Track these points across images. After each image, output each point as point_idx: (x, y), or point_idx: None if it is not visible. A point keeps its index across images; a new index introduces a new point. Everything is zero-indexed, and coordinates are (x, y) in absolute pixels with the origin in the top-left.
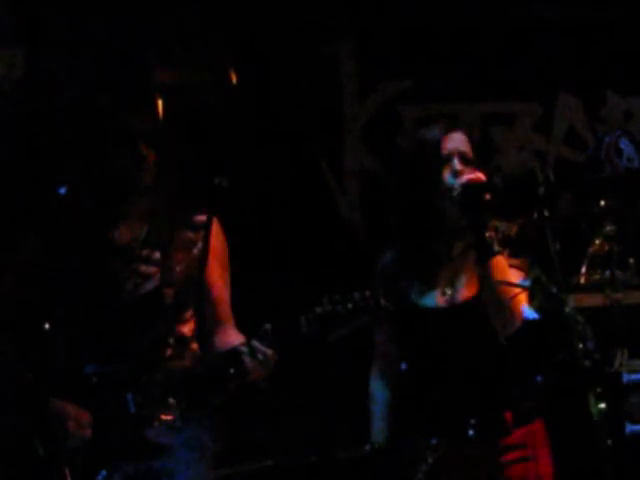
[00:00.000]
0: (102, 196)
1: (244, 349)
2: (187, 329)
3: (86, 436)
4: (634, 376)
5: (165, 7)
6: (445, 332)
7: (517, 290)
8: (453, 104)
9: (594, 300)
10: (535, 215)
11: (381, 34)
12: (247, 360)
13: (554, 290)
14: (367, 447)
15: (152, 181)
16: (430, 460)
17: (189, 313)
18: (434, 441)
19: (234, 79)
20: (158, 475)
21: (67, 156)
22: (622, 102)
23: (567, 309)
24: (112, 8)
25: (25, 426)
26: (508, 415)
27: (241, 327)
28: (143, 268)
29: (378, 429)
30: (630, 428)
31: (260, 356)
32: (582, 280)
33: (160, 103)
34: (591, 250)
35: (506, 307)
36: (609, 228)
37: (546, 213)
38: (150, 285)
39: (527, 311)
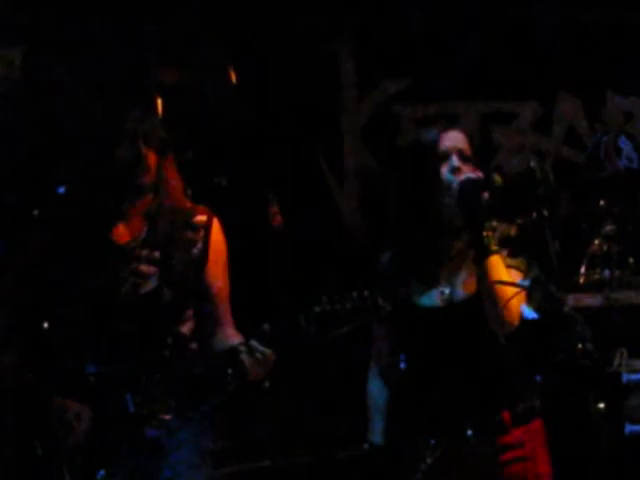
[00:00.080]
0: (102, 196)
1: (243, 349)
2: (186, 329)
3: (88, 430)
4: (633, 376)
5: (165, 7)
6: (444, 331)
7: (514, 289)
8: (453, 104)
9: (593, 300)
10: (534, 215)
11: (380, 34)
12: (246, 360)
13: (553, 290)
14: (365, 447)
15: (152, 181)
16: (429, 460)
17: (188, 313)
18: (433, 441)
19: (234, 79)
20: (157, 474)
21: (67, 156)
22: (622, 102)
23: (566, 309)
24: (112, 8)
25: (24, 426)
26: (506, 414)
27: (240, 327)
28: (143, 268)
29: (376, 429)
30: (629, 428)
31: (259, 356)
32: (581, 280)
33: (160, 103)
34: (590, 250)
35: (503, 307)
36: (608, 228)
37: (545, 213)
38: (150, 285)
39: (526, 311)
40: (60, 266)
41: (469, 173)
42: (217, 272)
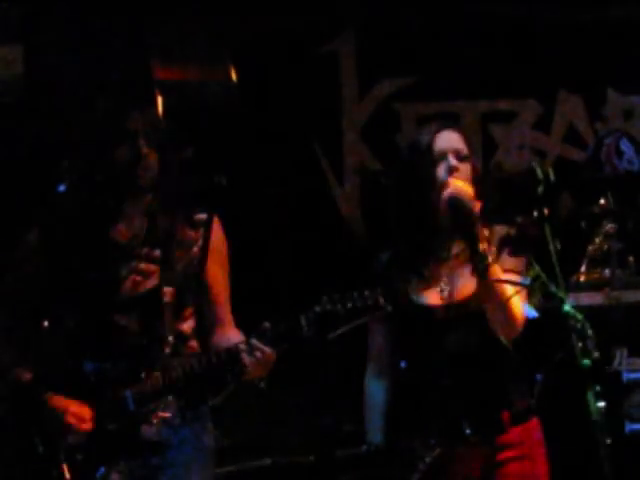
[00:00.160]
0: (102, 194)
1: (243, 347)
2: (186, 327)
3: (87, 430)
4: (634, 375)
5: (166, 6)
6: (443, 330)
7: (513, 293)
8: (453, 102)
9: (594, 299)
10: (535, 214)
11: (380, 33)
12: (246, 358)
13: (553, 289)
14: (364, 447)
15: (152, 180)
16: (427, 459)
17: (189, 311)
18: (431, 440)
19: (234, 78)
20: (157, 472)
21: (67, 155)
22: (622, 100)
23: (566, 308)
24: (113, 7)
25: (24, 424)
26: (505, 414)
27: (241, 326)
28: (143, 266)
29: (374, 429)
30: (630, 427)
31: (259, 354)
32: (582, 279)
33: (160, 101)
34: (591, 249)
35: (506, 314)
36: (609, 227)
37: (546, 212)
38: (150, 283)
39: (527, 310)
40: (60, 264)
41: (451, 189)
42: (217, 271)
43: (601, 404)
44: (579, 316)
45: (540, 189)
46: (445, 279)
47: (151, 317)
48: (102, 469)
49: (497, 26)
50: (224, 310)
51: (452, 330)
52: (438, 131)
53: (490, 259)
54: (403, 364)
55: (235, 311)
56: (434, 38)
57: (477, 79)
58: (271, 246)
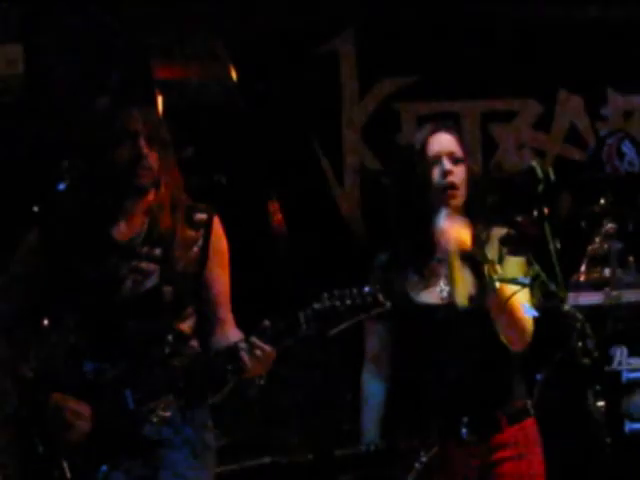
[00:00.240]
0: (102, 194)
1: (242, 345)
2: (187, 326)
3: (86, 429)
4: (633, 374)
5: (166, 5)
6: (442, 330)
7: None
8: (453, 102)
9: (593, 298)
10: (535, 213)
11: (381, 33)
12: (245, 357)
13: (553, 288)
14: (361, 446)
15: (153, 180)
16: (424, 458)
17: (189, 311)
18: (428, 439)
19: (234, 77)
20: (157, 471)
21: (67, 155)
22: (622, 100)
23: (566, 307)
24: (113, 5)
25: (25, 424)
26: (501, 413)
27: (241, 326)
28: (143, 265)
29: (371, 428)
30: (629, 426)
31: (258, 353)
32: (582, 278)
33: (160, 100)
34: (591, 248)
35: (517, 329)
36: (609, 226)
37: (546, 211)
38: (150, 282)
39: (527, 309)
40: (60, 263)
41: (451, 243)
42: (217, 270)
43: (601, 403)
44: (579, 316)
45: (540, 189)
46: (445, 279)
47: (151, 316)
48: (103, 468)
49: (497, 26)
50: (224, 310)
51: (451, 330)
52: (432, 134)
53: (497, 284)
54: (400, 364)
55: (235, 311)
56: (434, 38)
57: (477, 79)
58: (271, 244)
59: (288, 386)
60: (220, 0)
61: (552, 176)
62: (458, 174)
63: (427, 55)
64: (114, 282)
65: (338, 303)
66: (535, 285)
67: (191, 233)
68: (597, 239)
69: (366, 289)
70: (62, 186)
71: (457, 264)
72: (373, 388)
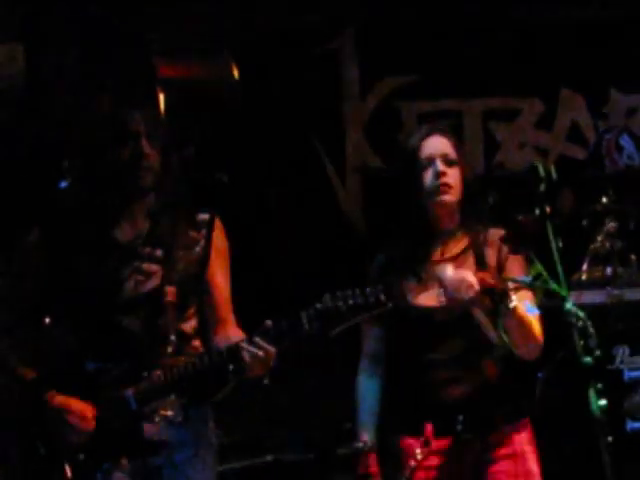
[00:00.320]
0: (104, 195)
1: (244, 345)
2: (189, 327)
3: (89, 429)
4: (635, 373)
5: (167, 4)
6: (440, 331)
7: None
8: (455, 100)
9: (595, 297)
10: (537, 212)
11: (382, 31)
12: (247, 356)
13: (555, 287)
14: (356, 445)
15: (155, 180)
16: (419, 457)
17: (191, 311)
18: (422, 438)
19: (235, 76)
20: (159, 471)
21: (67, 154)
22: (625, 99)
23: (568, 306)
24: (113, 6)
25: (26, 424)
26: (496, 413)
27: (242, 326)
28: (145, 266)
29: (367, 427)
30: (631, 425)
31: (260, 352)
32: (583, 277)
33: (162, 99)
34: (593, 247)
35: (529, 342)
36: (611, 225)
37: (548, 210)
38: (152, 283)
39: (528, 307)
40: (62, 263)
41: (470, 292)
42: (219, 271)
43: (602, 402)
44: (581, 314)
45: (542, 187)
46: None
47: (153, 317)
48: (104, 468)
49: (500, 23)
50: (226, 310)
51: (449, 332)
52: (426, 136)
53: (513, 303)
54: (398, 365)
55: (237, 309)
56: (435, 37)
57: (479, 77)
58: (272, 245)
59: (289, 386)
60: (220, 0)
61: (554, 175)
62: (452, 176)
63: (428, 54)
64: (116, 283)
65: (340, 303)
66: (537, 284)
67: (193, 234)
68: (599, 238)
69: (368, 289)
70: (64, 184)
71: (484, 308)
72: (370, 387)
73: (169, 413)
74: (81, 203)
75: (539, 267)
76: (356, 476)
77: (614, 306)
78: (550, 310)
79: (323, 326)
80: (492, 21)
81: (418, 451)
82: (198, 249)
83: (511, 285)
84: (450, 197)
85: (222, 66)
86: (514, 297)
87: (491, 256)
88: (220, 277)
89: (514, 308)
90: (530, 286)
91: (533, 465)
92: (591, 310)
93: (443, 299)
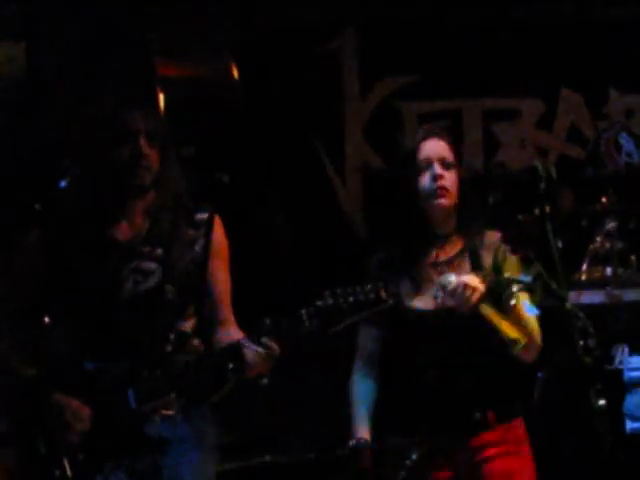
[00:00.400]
0: (103, 194)
1: (245, 343)
2: (188, 326)
3: (84, 429)
4: (634, 373)
5: (167, 3)
6: (435, 334)
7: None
8: (455, 100)
9: (595, 297)
10: (537, 212)
11: (382, 31)
12: (247, 355)
13: (555, 287)
14: (352, 444)
15: (154, 179)
16: (414, 457)
17: (190, 310)
18: (417, 439)
19: (236, 75)
20: (160, 470)
21: (67, 154)
22: (624, 99)
23: (568, 306)
24: (114, 5)
25: (27, 423)
26: (490, 412)
27: (242, 325)
28: (144, 265)
29: (362, 427)
30: (630, 425)
31: (261, 350)
32: (583, 277)
33: (162, 98)
34: (592, 247)
35: (533, 345)
36: (610, 225)
37: (548, 210)
38: (151, 282)
39: (528, 307)
40: (61, 263)
41: (459, 301)
42: (218, 269)
43: (602, 402)
44: (580, 314)
45: (542, 187)
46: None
47: (152, 316)
48: (105, 467)
49: (500, 23)
50: (225, 309)
51: (444, 334)
52: (424, 139)
53: (513, 302)
54: (393, 366)
55: (236, 308)
56: (435, 37)
57: (479, 77)
58: (273, 242)
59: (289, 385)
60: (220, 0)
61: (554, 174)
62: (449, 178)
63: (428, 54)
64: (115, 282)
65: (341, 300)
66: (536, 284)
67: (192, 232)
68: (598, 238)
69: (369, 286)
70: (63, 183)
71: (491, 310)
72: (363, 387)
73: (169, 412)
74: (81, 202)
75: (539, 267)
76: (351, 473)
77: (613, 306)
78: (550, 310)
79: (324, 323)
80: (492, 21)
81: (413, 451)
82: (197, 248)
83: (513, 286)
84: (447, 200)
85: (222, 66)
86: (514, 297)
87: (486, 259)
88: (220, 276)
89: (513, 307)
90: (530, 286)
91: (527, 463)
92: (590, 310)
93: (439, 301)
